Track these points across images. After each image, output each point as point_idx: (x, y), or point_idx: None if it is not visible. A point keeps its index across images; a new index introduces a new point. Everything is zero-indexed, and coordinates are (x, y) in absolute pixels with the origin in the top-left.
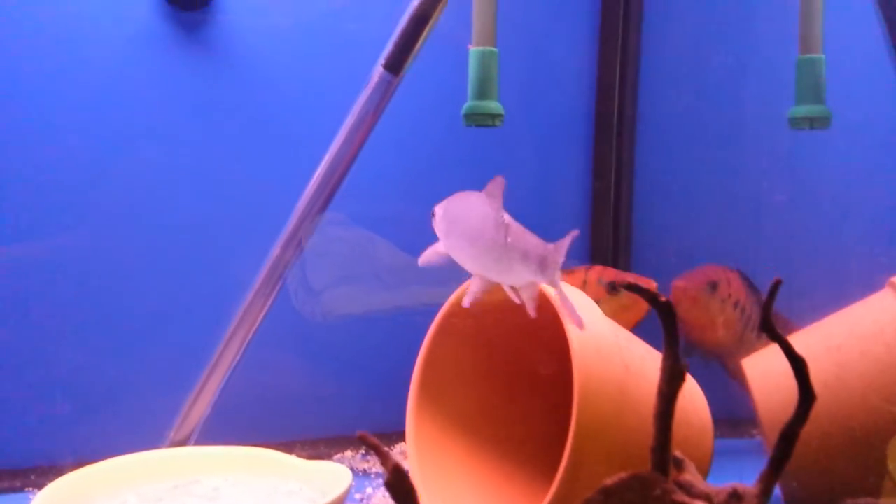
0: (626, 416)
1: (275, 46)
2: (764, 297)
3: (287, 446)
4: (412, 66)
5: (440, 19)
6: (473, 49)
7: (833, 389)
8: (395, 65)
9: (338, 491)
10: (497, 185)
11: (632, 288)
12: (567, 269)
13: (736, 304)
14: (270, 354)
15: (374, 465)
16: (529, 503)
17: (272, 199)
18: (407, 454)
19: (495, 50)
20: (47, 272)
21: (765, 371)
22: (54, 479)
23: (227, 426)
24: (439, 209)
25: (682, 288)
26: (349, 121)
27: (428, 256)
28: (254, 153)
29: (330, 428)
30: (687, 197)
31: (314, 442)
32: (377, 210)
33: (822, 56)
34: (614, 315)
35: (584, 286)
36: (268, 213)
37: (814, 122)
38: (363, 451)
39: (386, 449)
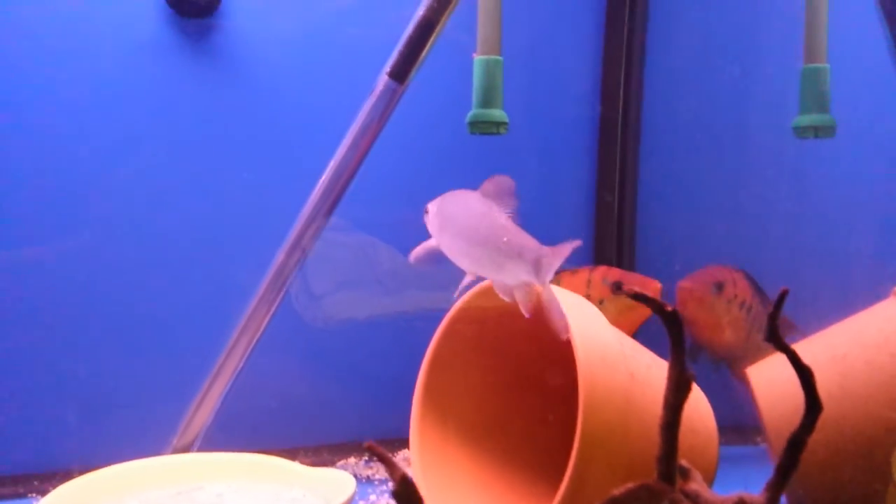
0: (632, 425)
1: (279, 53)
2: (769, 296)
3: (290, 453)
4: (417, 73)
5: (445, 27)
6: (478, 57)
7: (837, 398)
8: (400, 73)
9: (341, 498)
10: (494, 184)
11: (638, 297)
12: (572, 269)
13: (742, 305)
14: (274, 361)
15: (378, 472)
16: None
17: (277, 206)
18: (410, 461)
19: (500, 58)
20: (51, 278)
21: (770, 379)
22: (58, 485)
23: (231, 432)
24: (433, 206)
25: (688, 289)
26: (354, 129)
27: (418, 253)
28: (258, 160)
29: (333, 434)
30: (691, 204)
31: (317, 448)
32: (381, 216)
33: (827, 66)
34: (619, 315)
35: (588, 286)
36: (272, 220)
37: (819, 132)
38: (367, 458)
39: (394, 459)
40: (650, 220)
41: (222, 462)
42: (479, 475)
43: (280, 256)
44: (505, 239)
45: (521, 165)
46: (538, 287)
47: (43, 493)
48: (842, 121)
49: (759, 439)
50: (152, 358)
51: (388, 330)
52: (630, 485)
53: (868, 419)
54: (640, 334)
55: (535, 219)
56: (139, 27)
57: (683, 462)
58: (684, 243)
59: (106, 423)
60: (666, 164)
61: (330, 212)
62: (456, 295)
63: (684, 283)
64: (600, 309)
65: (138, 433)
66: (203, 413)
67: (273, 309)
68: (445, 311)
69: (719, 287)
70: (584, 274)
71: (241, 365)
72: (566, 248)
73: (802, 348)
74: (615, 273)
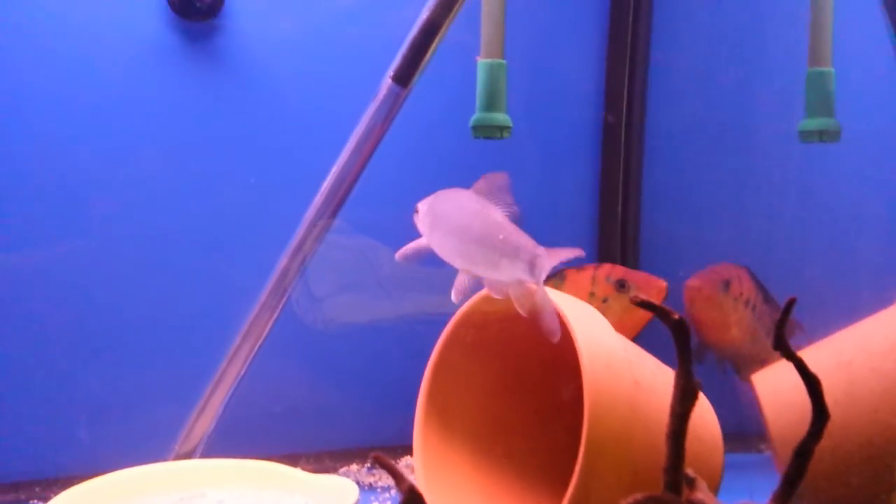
0: (637, 433)
1: (282, 56)
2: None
3: (292, 459)
4: (420, 77)
5: (448, 31)
6: (482, 61)
7: (844, 405)
8: (404, 77)
9: None
10: (488, 181)
11: (643, 304)
12: (577, 267)
13: (747, 303)
14: (276, 367)
15: (381, 479)
16: None
17: (280, 210)
18: (413, 468)
19: (504, 62)
20: (53, 282)
21: (775, 387)
22: (59, 491)
23: (233, 439)
24: (423, 205)
25: (697, 287)
26: (357, 133)
27: (406, 252)
28: (261, 162)
29: (335, 441)
30: (696, 208)
31: (319, 455)
32: (383, 219)
33: (832, 69)
34: (624, 313)
35: (592, 283)
36: (275, 224)
37: (824, 136)
38: (369, 465)
39: (401, 470)
40: (654, 223)
41: (224, 469)
42: (483, 483)
43: (283, 261)
44: (500, 237)
45: (525, 168)
46: (532, 287)
47: (44, 500)
48: (847, 124)
49: (763, 447)
50: (154, 364)
51: (389, 335)
52: (637, 495)
53: (874, 426)
54: (643, 336)
55: (539, 222)
56: (142, 30)
57: (689, 471)
58: (689, 247)
59: (108, 430)
60: (670, 168)
61: (333, 216)
62: (452, 294)
63: (692, 283)
64: (605, 307)
65: (140, 439)
66: (205, 419)
67: (276, 314)
68: (447, 315)
69: (726, 285)
70: (588, 271)
71: (243, 371)
72: (564, 252)
73: (808, 355)
74: (620, 271)
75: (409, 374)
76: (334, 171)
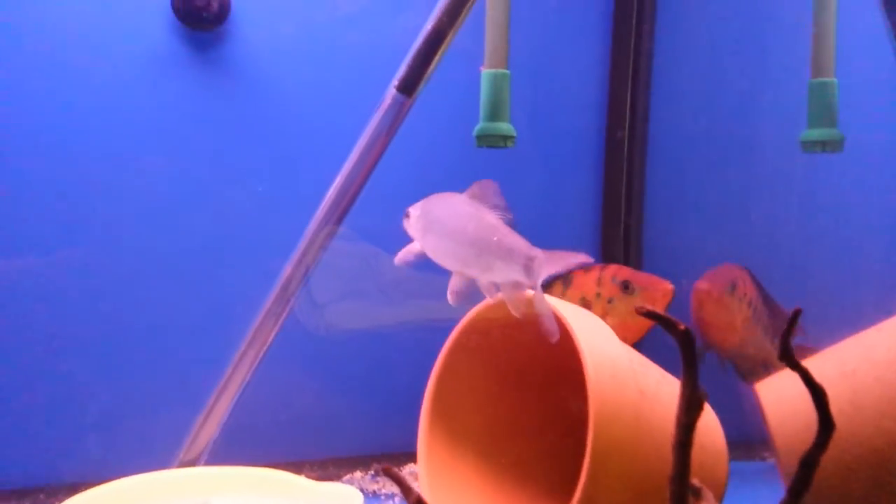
0: (642, 442)
1: (287, 64)
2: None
3: (296, 466)
4: (424, 86)
5: (453, 41)
6: (486, 71)
7: (848, 415)
8: (408, 87)
9: None
10: (480, 187)
11: (649, 315)
12: (584, 268)
13: (750, 303)
14: (279, 374)
15: (384, 487)
16: None
17: (285, 217)
18: (417, 475)
19: (507, 72)
20: (58, 290)
21: (779, 396)
22: (64, 499)
23: (237, 446)
24: (414, 210)
25: (707, 290)
26: (361, 141)
27: (403, 256)
28: (266, 171)
29: (339, 448)
30: (699, 216)
31: (323, 462)
32: (386, 227)
33: (835, 80)
34: (628, 315)
35: (598, 284)
36: (280, 231)
37: (826, 146)
38: (372, 472)
39: (409, 482)
40: (657, 231)
41: (228, 476)
42: (487, 490)
43: (287, 269)
44: (495, 239)
45: (529, 177)
46: (529, 293)
47: None
48: (851, 134)
49: (766, 455)
50: (159, 371)
51: (393, 343)
52: None
53: (879, 435)
54: (647, 338)
55: (542, 230)
56: (148, 39)
57: (695, 481)
58: (691, 255)
59: (113, 437)
60: (673, 176)
61: (338, 224)
62: (448, 297)
63: (702, 285)
64: (610, 308)
65: (144, 447)
66: (209, 427)
67: (280, 322)
68: (451, 321)
69: (733, 287)
70: (594, 272)
71: (247, 378)
72: (568, 257)
73: (813, 365)
74: (625, 272)
75: (412, 381)
76: (339, 179)
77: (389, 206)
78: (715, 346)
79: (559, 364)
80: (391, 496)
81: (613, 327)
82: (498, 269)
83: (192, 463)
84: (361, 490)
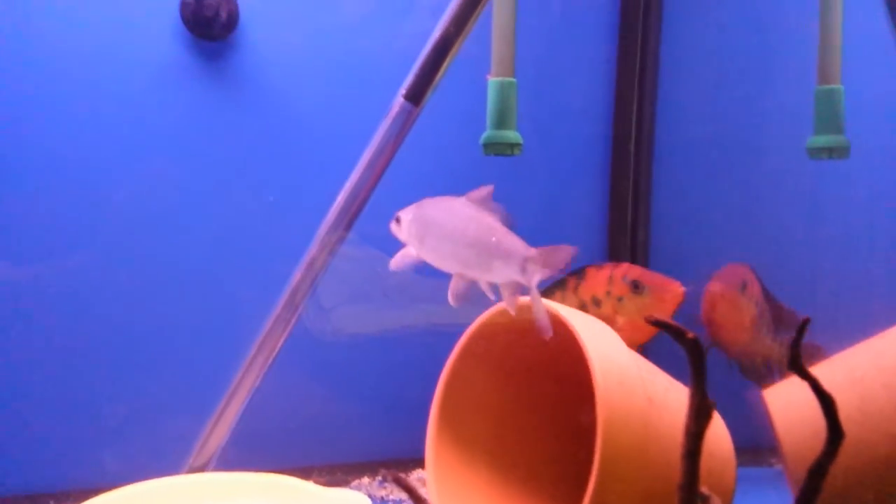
0: (650, 450)
1: (296, 74)
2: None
3: (304, 472)
4: (432, 95)
5: (460, 49)
6: (492, 79)
7: (857, 422)
8: (416, 95)
9: None
10: (478, 190)
11: (658, 324)
12: (597, 265)
13: (757, 303)
14: (288, 380)
15: (392, 493)
16: None
17: (294, 224)
18: (425, 482)
19: (514, 80)
20: (69, 297)
21: (787, 402)
22: None
23: (245, 452)
24: (406, 214)
25: (720, 292)
26: (369, 150)
27: (399, 261)
28: (274, 179)
29: (347, 454)
30: (705, 225)
31: (331, 468)
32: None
33: (841, 86)
34: (637, 314)
35: (609, 282)
36: (289, 238)
37: (833, 153)
38: (380, 478)
39: (421, 493)
40: (664, 238)
41: (237, 482)
42: (495, 497)
43: (296, 276)
44: (494, 239)
45: (535, 184)
46: (528, 298)
47: None
48: (857, 141)
49: (773, 461)
50: (168, 377)
51: (401, 348)
52: None
53: (887, 442)
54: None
55: (549, 237)
56: (157, 49)
57: (704, 489)
58: (698, 260)
59: (122, 443)
60: (679, 182)
61: (346, 231)
62: (450, 299)
63: (714, 287)
64: (619, 307)
65: (154, 452)
66: (219, 433)
67: (289, 328)
68: (460, 326)
69: (744, 287)
70: (606, 270)
71: (257, 384)
72: (556, 251)
73: (821, 372)
74: (637, 271)
75: (420, 387)
76: (347, 186)
77: (394, 211)
78: (723, 346)
79: (568, 371)
80: (399, 502)
81: (623, 326)
82: (497, 269)
83: (202, 469)
84: (369, 496)
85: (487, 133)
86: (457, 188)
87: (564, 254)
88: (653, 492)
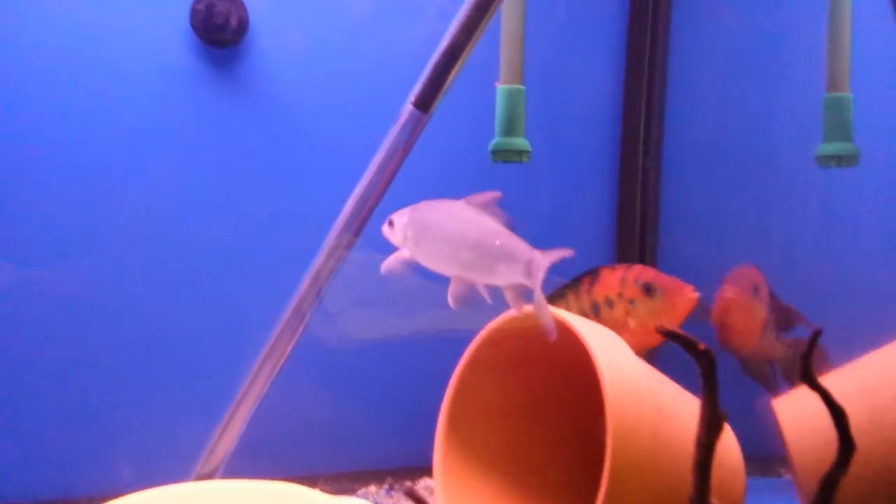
0: (660, 459)
1: (305, 80)
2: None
3: (311, 480)
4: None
5: (469, 57)
6: (501, 87)
7: (867, 433)
8: (425, 102)
9: None
10: (484, 196)
11: (670, 335)
12: (611, 266)
13: (766, 305)
14: (295, 387)
15: (399, 501)
16: None
17: (302, 230)
18: (433, 490)
19: (522, 87)
20: (77, 303)
21: (796, 413)
22: None
23: (252, 460)
24: (400, 217)
25: (734, 299)
26: (378, 157)
27: (391, 264)
28: (283, 185)
29: (354, 462)
30: (714, 232)
31: (338, 476)
32: None
33: (850, 94)
34: (648, 317)
35: (622, 284)
36: (298, 245)
37: (842, 161)
38: (387, 487)
39: (429, 502)
40: (672, 245)
41: (244, 489)
42: None
43: (304, 282)
44: (497, 242)
45: (543, 190)
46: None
47: None
48: (867, 148)
49: (783, 471)
50: (175, 384)
51: (408, 356)
52: None
53: None
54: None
55: (557, 243)
56: (166, 55)
57: (715, 500)
58: (706, 266)
59: (130, 450)
60: (688, 188)
61: (355, 237)
62: (450, 301)
63: (728, 293)
64: (631, 309)
65: (161, 460)
66: (226, 440)
67: (297, 335)
68: (468, 332)
69: (756, 290)
70: (619, 272)
71: (264, 392)
72: (557, 253)
73: (831, 381)
74: (649, 273)
75: (428, 395)
76: (355, 194)
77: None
78: (732, 349)
79: (577, 380)
80: None
81: (634, 329)
82: (500, 272)
83: (209, 476)
84: None
85: (496, 140)
86: (465, 194)
87: (561, 255)
88: (663, 500)
